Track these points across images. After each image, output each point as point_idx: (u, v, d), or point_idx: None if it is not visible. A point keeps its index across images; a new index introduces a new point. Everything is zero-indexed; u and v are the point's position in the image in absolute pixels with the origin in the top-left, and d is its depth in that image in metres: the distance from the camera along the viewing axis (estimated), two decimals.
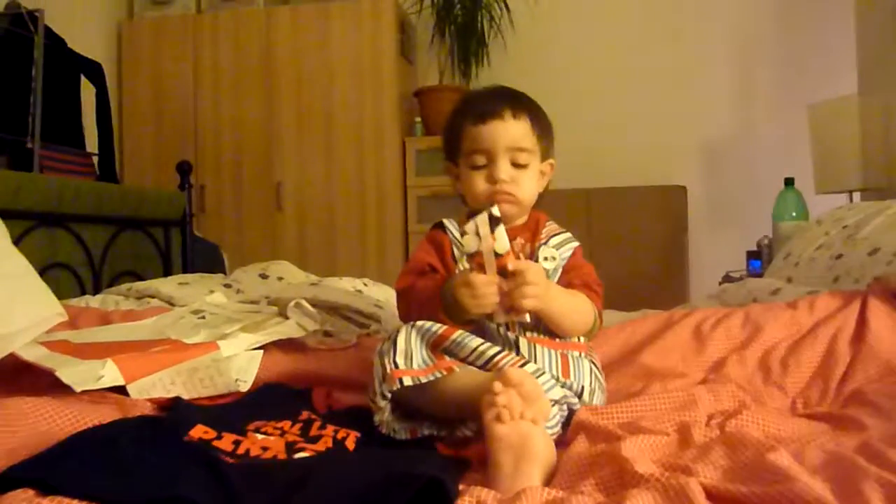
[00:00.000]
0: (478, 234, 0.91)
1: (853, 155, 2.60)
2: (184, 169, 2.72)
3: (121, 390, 1.02)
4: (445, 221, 1.12)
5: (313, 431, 0.81)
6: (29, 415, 0.85)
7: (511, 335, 0.99)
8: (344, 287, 1.79)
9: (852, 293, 1.34)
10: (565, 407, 0.94)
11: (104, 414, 0.91)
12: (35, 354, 1.08)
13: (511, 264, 0.91)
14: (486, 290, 0.91)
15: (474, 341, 0.92)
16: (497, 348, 0.93)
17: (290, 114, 3.55)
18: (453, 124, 1.11)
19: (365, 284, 1.90)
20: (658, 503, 0.66)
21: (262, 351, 1.19)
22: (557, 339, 1.01)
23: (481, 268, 0.92)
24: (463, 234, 0.94)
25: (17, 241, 1.80)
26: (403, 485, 0.56)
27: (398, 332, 0.93)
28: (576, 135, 3.65)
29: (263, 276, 2.05)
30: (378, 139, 3.49)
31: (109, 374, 1.01)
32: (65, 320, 1.19)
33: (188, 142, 3.60)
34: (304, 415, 0.89)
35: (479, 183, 1.06)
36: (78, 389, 0.97)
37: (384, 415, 0.86)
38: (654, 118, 3.64)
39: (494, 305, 0.92)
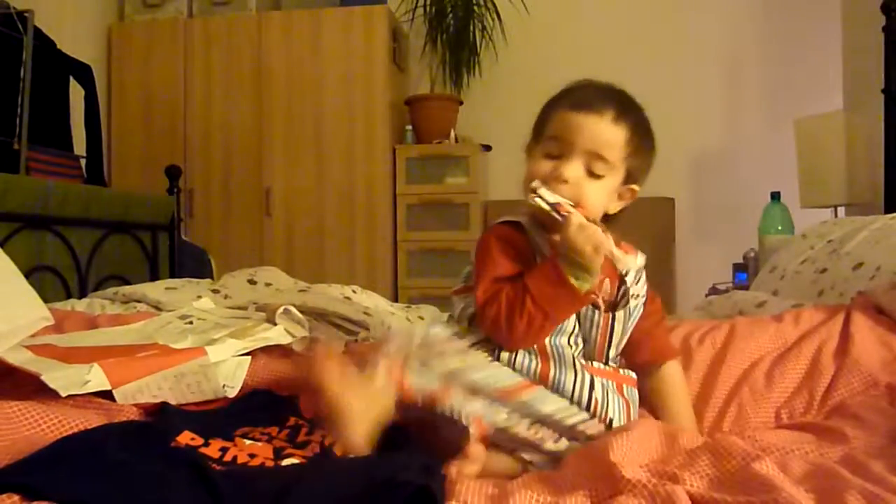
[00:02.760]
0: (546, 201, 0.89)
1: (838, 170, 2.63)
2: (173, 173, 2.71)
3: (107, 395, 1.01)
4: (523, 221, 0.96)
5: (300, 437, 0.81)
6: (13, 419, 0.85)
7: (588, 375, 0.90)
8: (333, 294, 1.79)
9: (836, 307, 1.36)
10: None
11: (90, 419, 0.90)
12: (20, 358, 1.07)
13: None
14: (595, 231, 0.85)
15: (547, 405, 0.86)
16: (577, 417, 0.87)
17: (280, 119, 3.55)
18: (550, 103, 0.99)
19: (354, 292, 1.90)
20: None
21: (249, 357, 1.18)
22: (621, 372, 0.96)
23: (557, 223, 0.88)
24: (533, 199, 0.89)
25: (2, 244, 1.79)
26: (392, 492, 0.56)
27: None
28: None
29: (251, 282, 2.04)
30: (368, 146, 3.49)
31: (95, 378, 1.00)
32: (50, 324, 1.18)
33: (177, 146, 3.59)
34: (292, 421, 0.89)
35: (539, 171, 0.94)
36: (64, 394, 0.96)
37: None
38: None
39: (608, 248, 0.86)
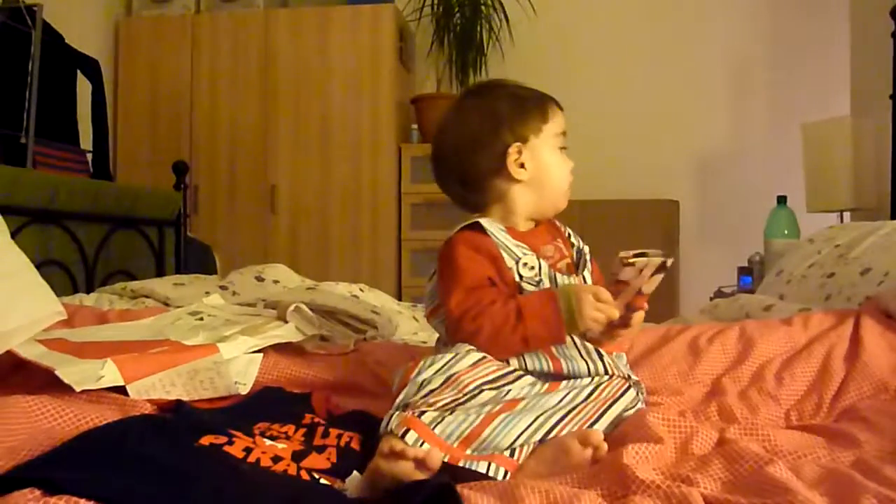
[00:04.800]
0: (640, 270, 0.93)
1: (845, 175, 2.64)
2: (180, 169, 2.72)
3: (120, 390, 1.02)
4: (484, 223, 1.01)
5: (317, 439, 0.81)
6: (31, 413, 0.85)
7: (589, 345, 0.98)
8: (341, 292, 1.79)
9: (846, 311, 1.36)
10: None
11: (105, 414, 0.90)
12: (33, 352, 1.07)
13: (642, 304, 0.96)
14: (611, 313, 0.93)
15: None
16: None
17: (286, 116, 3.55)
18: (534, 98, 1.07)
19: (361, 290, 1.91)
20: None
21: (261, 354, 1.19)
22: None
23: (616, 294, 0.94)
24: (625, 263, 0.94)
25: (10, 238, 1.79)
26: (412, 491, 0.57)
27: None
28: (571, 147, 3.68)
29: (259, 279, 2.05)
30: (374, 145, 3.50)
31: (109, 374, 1.00)
32: (63, 319, 1.19)
33: (183, 141, 3.59)
34: (307, 419, 0.89)
35: (567, 168, 1.07)
36: (78, 389, 0.96)
37: None
38: (649, 132, 3.67)
39: (603, 327, 0.95)
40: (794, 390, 1.17)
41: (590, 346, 0.96)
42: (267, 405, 0.96)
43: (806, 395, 1.16)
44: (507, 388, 0.88)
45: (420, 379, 0.86)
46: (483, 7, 3.67)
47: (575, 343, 0.96)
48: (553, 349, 0.94)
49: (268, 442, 0.75)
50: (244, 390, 1.09)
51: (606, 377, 0.93)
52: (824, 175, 2.74)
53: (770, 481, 0.75)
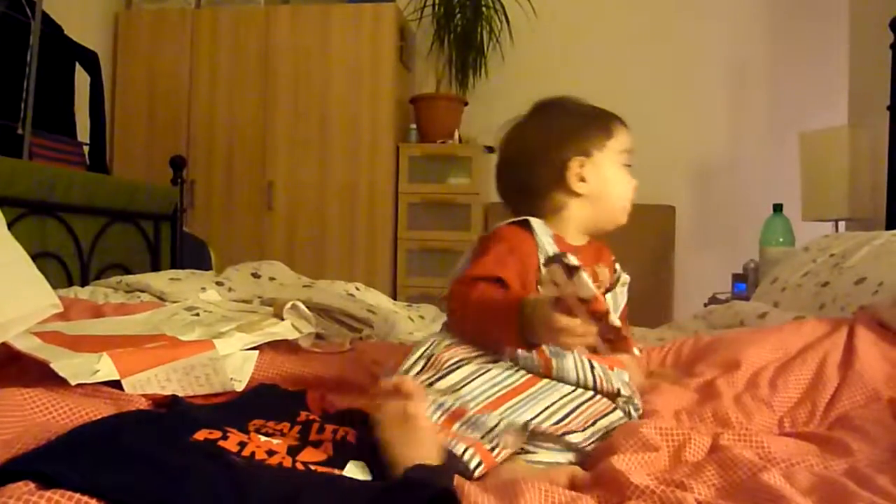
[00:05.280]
0: (555, 283, 0.84)
1: (841, 184, 2.65)
2: (177, 164, 2.71)
3: (115, 385, 1.01)
4: (533, 222, 1.01)
5: (313, 435, 0.81)
6: (25, 406, 0.85)
7: (584, 358, 0.94)
8: (337, 290, 1.79)
9: (840, 320, 1.37)
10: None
11: (100, 408, 0.90)
12: (28, 345, 1.07)
13: (602, 306, 0.82)
14: (586, 332, 0.83)
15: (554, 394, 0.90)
16: (585, 395, 0.92)
17: (285, 113, 3.55)
18: (599, 115, 1.09)
19: (357, 289, 1.91)
20: None
21: (257, 351, 1.19)
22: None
23: (569, 311, 0.83)
24: (538, 282, 0.91)
25: (7, 229, 1.78)
26: (412, 493, 0.57)
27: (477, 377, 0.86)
28: None
29: (255, 276, 2.04)
30: (372, 144, 3.50)
31: (105, 368, 1.00)
32: (59, 311, 1.18)
33: (180, 136, 3.59)
34: (302, 416, 0.89)
35: (629, 185, 1.10)
36: (73, 382, 0.96)
37: None
38: (647, 138, 3.64)
39: (593, 342, 0.87)
40: (788, 397, 1.17)
41: (585, 359, 0.94)
42: (262, 402, 0.96)
43: (799, 402, 1.16)
44: (486, 366, 0.90)
45: (403, 368, 0.91)
46: (484, 8, 3.68)
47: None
48: (546, 347, 0.93)
49: (263, 438, 0.75)
50: (239, 387, 1.09)
51: (591, 392, 0.93)
52: (820, 184, 2.75)
53: (764, 488, 0.76)
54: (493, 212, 3.58)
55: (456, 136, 3.59)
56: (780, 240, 2.76)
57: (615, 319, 0.83)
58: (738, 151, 3.66)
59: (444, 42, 3.70)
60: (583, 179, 1.05)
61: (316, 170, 3.52)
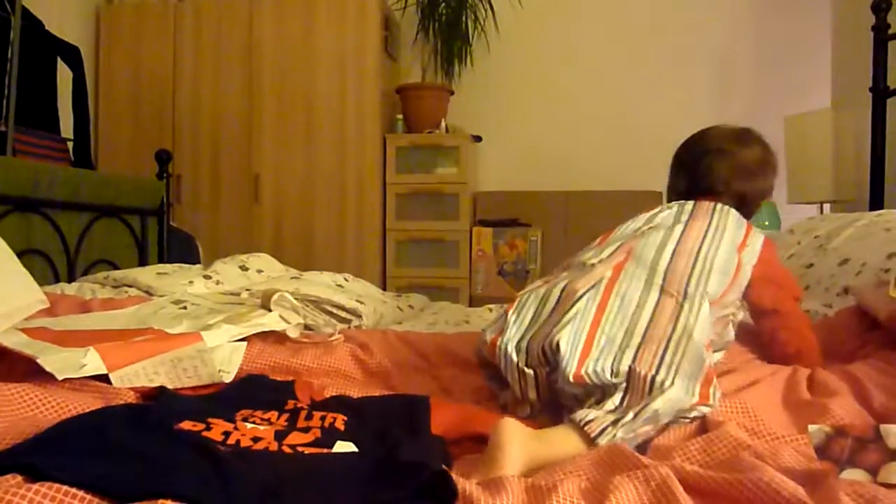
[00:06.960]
0: None
1: (825, 167, 2.67)
2: (163, 158, 2.69)
3: (103, 378, 1.01)
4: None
5: (300, 422, 0.81)
6: (13, 401, 0.85)
7: None
8: (325, 281, 1.79)
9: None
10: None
11: (88, 402, 0.90)
12: (15, 341, 1.07)
13: None
14: None
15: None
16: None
17: (270, 105, 3.53)
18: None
19: (346, 280, 1.91)
20: (639, 491, 0.68)
21: (245, 342, 1.19)
22: None
23: None
24: None
25: None
26: (407, 475, 0.57)
27: None
28: (555, 138, 3.69)
29: (243, 269, 2.04)
30: (359, 135, 3.49)
31: (92, 362, 1.00)
32: (46, 307, 1.18)
33: (165, 130, 3.56)
34: (290, 405, 0.89)
35: None
36: (60, 377, 0.96)
37: None
38: (632, 124, 3.69)
39: None
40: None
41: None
42: (250, 393, 0.96)
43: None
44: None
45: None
46: None
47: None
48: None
49: (249, 426, 0.75)
50: (228, 378, 1.09)
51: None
52: (805, 167, 2.77)
53: (744, 461, 0.77)
54: (481, 200, 3.58)
55: (443, 125, 3.58)
56: (766, 223, 2.78)
57: None
58: None
59: (430, 31, 3.69)
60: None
61: (302, 162, 3.50)
